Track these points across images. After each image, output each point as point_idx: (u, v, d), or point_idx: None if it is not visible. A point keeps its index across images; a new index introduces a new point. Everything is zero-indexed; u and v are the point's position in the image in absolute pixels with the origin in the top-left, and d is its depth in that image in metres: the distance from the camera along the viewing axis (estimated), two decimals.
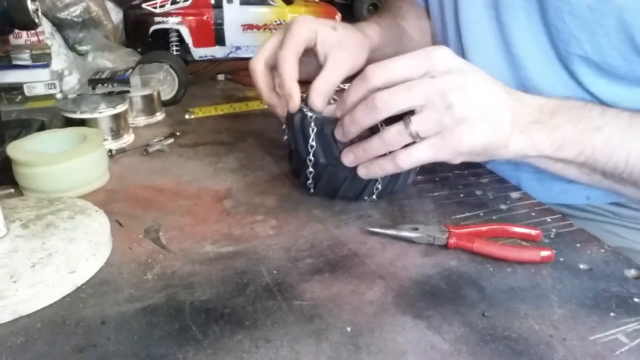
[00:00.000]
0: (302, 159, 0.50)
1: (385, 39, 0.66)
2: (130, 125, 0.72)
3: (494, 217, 0.49)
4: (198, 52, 0.96)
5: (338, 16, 1.07)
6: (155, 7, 0.93)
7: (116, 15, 1.10)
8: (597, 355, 0.32)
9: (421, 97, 0.41)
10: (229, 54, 0.98)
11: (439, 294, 0.38)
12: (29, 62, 0.76)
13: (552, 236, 0.46)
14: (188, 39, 0.94)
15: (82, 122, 0.64)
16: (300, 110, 0.49)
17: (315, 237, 0.45)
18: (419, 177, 0.57)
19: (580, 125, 0.45)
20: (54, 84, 0.78)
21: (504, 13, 0.56)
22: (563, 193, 0.61)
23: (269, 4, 0.97)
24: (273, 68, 0.54)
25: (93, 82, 0.82)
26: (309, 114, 0.48)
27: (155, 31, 0.94)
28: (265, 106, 0.85)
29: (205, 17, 0.94)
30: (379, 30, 0.65)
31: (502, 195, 0.53)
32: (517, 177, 0.61)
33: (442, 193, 0.53)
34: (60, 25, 0.97)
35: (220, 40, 0.96)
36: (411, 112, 0.42)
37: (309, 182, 0.51)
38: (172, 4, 0.93)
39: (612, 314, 0.36)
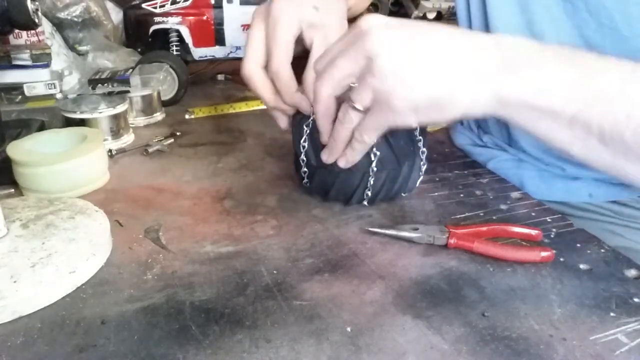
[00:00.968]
0: (297, 158, 0.50)
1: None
2: (130, 125, 0.72)
3: (494, 217, 0.49)
4: (198, 52, 0.96)
5: None
6: (155, 7, 0.93)
7: (116, 15, 1.10)
8: (597, 355, 0.32)
9: (346, 66, 0.40)
10: (229, 54, 0.98)
11: (439, 294, 0.38)
12: (29, 62, 0.76)
13: (552, 236, 0.46)
14: (188, 39, 0.94)
15: (82, 122, 0.64)
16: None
17: (315, 237, 0.45)
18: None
19: (571, 66, 0.36)
20: (54, 84, 0.78)
21: None
22: (565, 191, 0.61)
23: None
24: (266, 66, 0.52)
25: (93, 82, 0.82)
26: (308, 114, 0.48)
27: (155, 31, 0.94)
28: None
29: (205, 17, 0.94)
30: None
31: (502, 195, 0.53)
32: (519, 175, 0.61)
33: (442, 193, 0.53)
34: (60, 25, 0.97)
35: (220, 40, 0.96)
36: None
37: (304, 180, 0.51)
38: (172, 4, 0.93)
39: (612, 314, 0.36)
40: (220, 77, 1.06)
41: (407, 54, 0.37)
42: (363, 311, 0.36)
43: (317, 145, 0.48)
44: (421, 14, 1.97)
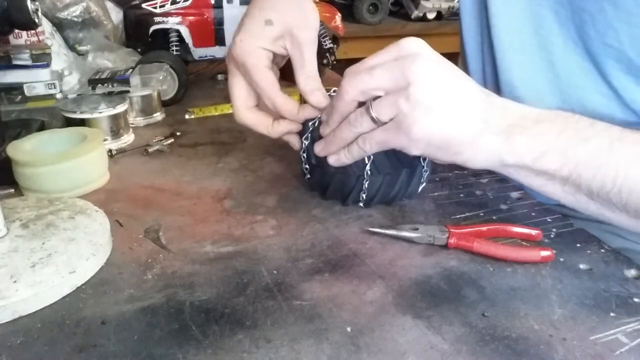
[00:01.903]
0: (299, 155, 0.51)
1: None
2: (130, 125, 0.72)
3: (494, 217, 0.49)
4: (198, 52, 0.96)
5: (338, 16, 1.07)
6: (155, 7, 0.93)
7: (116, 15, 1.10)
8: (597, 355, 0.32)
9: (383, 79, 0.41)
10: None
11: (439, 294, 0.38)
12: (29, 62, 0.76)
13: (552, 236, 0.46)
14: (188, 39, 0.94)
15: (82, 122, 0.64)
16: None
17: (315, 237, 0.45)
18: None
19: (566, 134, 0.41)
20: (54, 84, 0.78)
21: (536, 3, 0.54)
22: None
23: None
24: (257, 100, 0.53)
25: (93, 82, 0.82)
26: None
27: (155, 31, 0.94)
28: None
29: (205, 17, 0.94)
30: None
31: (502, 195, 0.53)
32: None
33: (442, 193, 0.53)
34: (60, 25, 0.97)
35: (220, 40, 0.96)
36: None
37: (306, 176, 0.52)
38: (172, 4, 0.93)
39: (612, 314, 0.36)
40: (220, 77, 1.06)
41: (443, 93, 0.40)
42: (363, 311, 0.36)
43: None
44: (421, 14, 1.97)
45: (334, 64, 0.96)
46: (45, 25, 0.84)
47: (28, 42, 0.82)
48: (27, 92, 0.77)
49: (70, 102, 0.68)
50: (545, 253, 0.41)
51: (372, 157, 0.46)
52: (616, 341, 0.33)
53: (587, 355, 0.32)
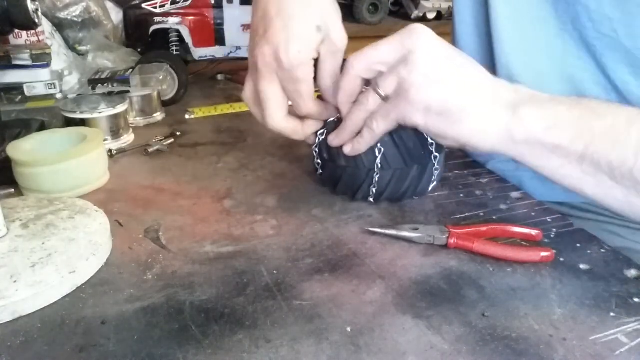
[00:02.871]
0: (311, 149, 0.52)
1: None
2: (130, 125, 0.72)
3: (494, 217, 0.49)
4: (198, 52, 0.96)
5: None
6: (155, 7, 0.93)
7: (116, 15, 1.10)
8: (597, 355, 0.32)
9: (385, 52, 0.42)
10: (229, 54, 0.98)
11: (439, 294, 0.38)
12: (29, 62, 0.76)
13: (552, 236, 0.46)
14: (188, 39, 0.94)
15: (82, 122, 0.64)
16: None
17: (315, 237, 0.45)
18: None
19: (578, 109, 0.39)
20: (54, 84, 0.78)
21: None
22: (566, 191, 0.60)
23: None
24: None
25: (93, 82, 0.82)
26: None
27: (155, 31, 0.94)
28: None
29: (205, 17, 0.94)
30: None
31: (502, 195, 0.53)
32: (519, 175, 0.61)
33: (442, 193, 0.53)
34: (60, 25, 0.97)
35: (220, 40, 0.96)
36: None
37: (318, 172, 0.53)
38: (172, 4, 0.93)
39: (612, 314, 0.36)
40: (220, 77, 1.06)
41: (442, 61, 0.41)
42: (363, 311, 0.36)
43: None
44: (421, 14, 1.97)
45: None
46: (45, 25, 0.84)
47: (28, 42, 0.82)
48: (27, 92, 0.77)
49: (70, 102, 0.68)
50: (545, 253, 0.41)
51: (382, 149, 0.47)
52: (616, 341, 0.33)
53: (587, 355, 0.32)
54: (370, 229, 0.45)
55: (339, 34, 0.48)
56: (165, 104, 0.82)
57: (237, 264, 0.41)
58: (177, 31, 0.94)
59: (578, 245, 0.44)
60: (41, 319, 0.35)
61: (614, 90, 0.52)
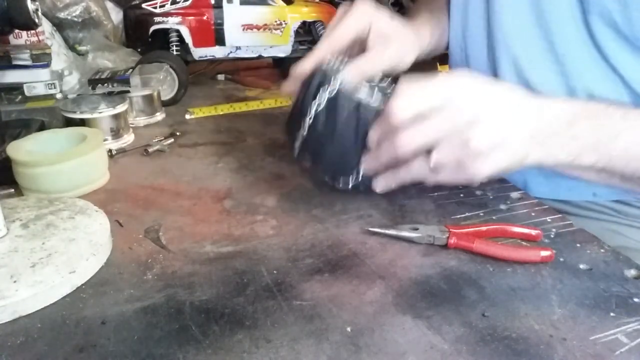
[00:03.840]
0: (300, 118, 0.48)
1: (434, 40, 0.67)
2: (130, 125, 0.72)
3: (494, 217, 0.49)
4: (198, 52, 0.96)
5: None
6: (155, 7, 0.93)
7: (116, 15, 1.10)
8: (597, 355, 0.32)
9: (437, 135, 0.43)
10: (229, 54, 0.98)
11: (439, 294, 0.38)
12: (29, 62, 0.76)
13: (552, 236, 0.46)
14: (188, 39, 0.94)
15: (82, 122, 0.64)
16: (326, 72, 0.47)
17: (315, 237, 0.45)
18: None
19: (599, 133, 0.44)
20: (54, 84, 0.78)
21: None
22: (569, 190, 0.61)
23: (269, 4, 0.97)
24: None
25: (93, 82, 0.82)
26: (334, 79, 0.47)
27: (155, 31, 0.94)
28: (266, 107, 0.85)
29: (205, 17, 0.94)
30: (430, 31, 0.65)
31: (502, 195, 0.53)
32: (523, 173, 0.61)
33: (442, 193, 0.53)
34: (60, 25, 0.97)
35: (220, 40, 0.96)
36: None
37: (296, 143, 0.50)
38: (172, 4, 0.93)
39: (612, 314, 0.36)
40: (220, 77, 1.06)
41: (497, 133, 0.42)
42: (363, 311, 0.36)
43: (333, 115, 0.47)
44: None
45: None
46: (45, 25, 0.84)
47: (28, 42, 0.83)
48: (27, 92, 0.77)
49: (70, 102, 0.68)
50: (545, 253, 0.41)
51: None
52: (616, 341, 0.33)
53: (587, 355, 0.32)
54: (370, 229, 0.45)
55: (382, 48, 0.55)
56: (165, 104, 0.82)
57: (237, 264, 0.41)
58: (177, 31, 0.94)
59: (578, 245, 0.44)
60: (41, 319, 0.35)
61: (613, 72, 0.53)
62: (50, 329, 0.34)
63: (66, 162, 0.52)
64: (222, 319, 0.35)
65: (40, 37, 0.83)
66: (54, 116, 0.70)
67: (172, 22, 0.93)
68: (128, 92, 0.76)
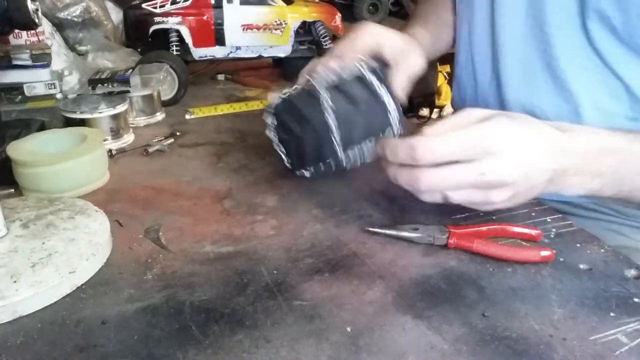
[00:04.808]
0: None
1: (433, 45, 0.69)
2: (130, 125, 0.72)
3: (494, 217, 0.49)
4: (198, 52, 0.96)
5: (338, 16, 1.07)
6: (155, 7, 0.93)
7: (116, 15, 1.11)
8: (597, 355, 0.32)
9: (460, 184, 0.41)
10: (229, 54, 0.98)
11: (439, 294, 0.38)
12: (29, 62, 0.76)
13: (552, 236, 0.46)
14: (188, 39, 0.94)
15: (82, 122, 0.64)
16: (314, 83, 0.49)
17: (315, 237, 0.45)
18: None
19: (622, 171, 0.44)
20: (54, 84, 0.78)
21: None
22: None
23: (269, 4, 0.97)
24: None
25: (93, 82, 0.82)
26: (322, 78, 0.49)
27: (155, 31, 0.94)
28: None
29: (205, 17, 0.94)
30: (429, 38, 0.68)
31: None
32: None
33: None
34: (60, 25, 0.97)
35: (220, 40, 0.96)
36: None
37: (270, 121, 0.52)
38: (172, 4, 0.93)
39: (612, 314, 0.36)
40: (220, 77, 1.06)
41: (516, 171, 0.41)
42: (363, 311, 0.36)
43: (311, 111, 0.48)
44: None
45: None
46: (45, 25, 0.84)
47: (28, 42, 0.83)
48: (27, 92, 0.77)
49: (70, 102, 0.68)
50: (545, 253, 0.41)
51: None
52: (616, 341, 0.33)
53: (587, 355, 0.32)
54: (370, 229, 0.45)
55: (407, 60, 0.55)
56: (165, 104, 0.82)
57: (237, 264, 0.41)
58: (177, 31, 0.94)
59: (578, 245, 0.44)
60: (41, 319, 0.35)
61: (604, 66, 0.53)
62: (50, 329, 0.34)
63: (66, 162, 0.52)
64: (222, 319, 0.35)
65: (40, 37, 0.83)
66: (54, 116, 0.70)
67: (172, 22, 0.93)
68: (128, 92, 0.76)
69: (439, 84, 2.16)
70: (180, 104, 0.86)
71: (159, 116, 0.78)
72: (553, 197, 0.58)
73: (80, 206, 0.47)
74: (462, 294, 0.38)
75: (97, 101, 0.67)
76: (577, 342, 0.33)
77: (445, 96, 2.17)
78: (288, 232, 0.46)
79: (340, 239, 0.45)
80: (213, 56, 0.98)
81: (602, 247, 0.44)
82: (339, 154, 0.48)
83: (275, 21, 0.97)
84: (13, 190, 0.53)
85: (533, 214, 0.50)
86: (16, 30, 0.77)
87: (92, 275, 0.40)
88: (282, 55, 1.01)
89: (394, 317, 0.35)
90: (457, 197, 0.41)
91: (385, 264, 0.41)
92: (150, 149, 0.64)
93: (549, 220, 0.48)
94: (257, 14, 0.96)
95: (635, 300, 0.37)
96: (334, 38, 1.02)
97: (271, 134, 0.53)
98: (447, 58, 0.78)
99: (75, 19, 1.00)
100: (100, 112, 0.65)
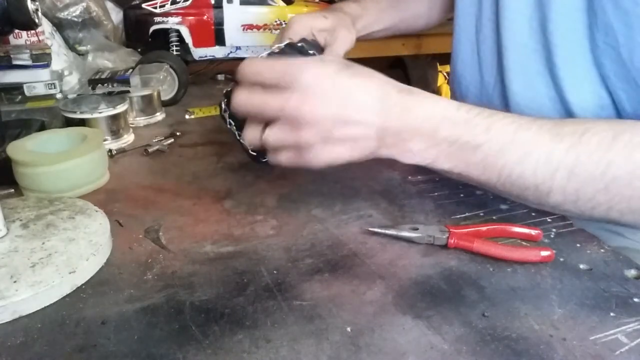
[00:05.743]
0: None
1: (379, 14, 0.74)
2: (130, 125, 0.72)
3: (494, 217, 0.49)
4: (198, 52, 0.96)
5: None
6: (155, 7, 0.93)
7: (116, 15, 1.10)
8: (597, 355, 0.32)
9: (264, 112, 0.43)
10: (229, 54, 0.98)
11: (439, 294, 0.38)
12: (29, 62, 0.76)
13: (552, 236, 0.46)
14: (188, 39, 0.94)
15: (82, 122, 0.64)
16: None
17: (315, 237, 0.45)
18: (419, 177, 0.57)
19: (459, 143, 0.42)
20: (54, 84, 0.78)
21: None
22: None
23: (269, 4, 0.97)
24: None
25: (93, 82, 0.82)
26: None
27: (155, 31, 0.94)
28: None
29: (205, 17, 0.94)
30: (355, 5, 0.73)
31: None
32: None
33: (442, 193, 0.53)
34: (60, 25, 0.97)
35: (220, 40, 0.96)
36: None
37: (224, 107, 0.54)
38: (172, 4, 0.93)
39: (612, 314, 0.36)
40: (220, 77, 1.06)
41: (335, 126, 0.43)
42: (363, 311, 0.36)
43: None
44: None
45: None
46: (45, 25, 0.84)
47: (28, 42, 0.83)
48: (27, 92, 0.77)
49: (70, 102, 0.68)
50: (545, 253, 0.41)
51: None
52: (616, 341, 0.33)
53: (587, 355, 0.32)
54: (370, 229, 0.45)
55: (340, 31, 0.65)
56: (165, 104, 0.82)
57: (237, 264, 0.41)
58: (177, 31, 0.94)
59: (578, 245, 0.44)
60: (41, 319, 0.35)
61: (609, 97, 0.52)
62: (50, 329, 0.34)
63: (66, 162, 0.52)
64: (222, 319, 0.35)
65: (40, 37, 0.83)
66: (54, 116, 0.70)
67: (172, 22, 0.94)
68: (128, 92, 0.76)
69: (439, 84, 2.16)
70: (180, 104, 0.86)
71: (159, 116, 0.78)
72: None
73: (80, 206, 0.47)
74: (462, 294, 0.38)
75: (97, 101, 0.67)
76: (577, 342, 0.33)
77: (445, 96, 2.17)
78: (288, 232, 0.46)
79: (340, 239, 0.45)
80: (213, 56, 0.98)
81: (602, 247, 0.44)
82: None
83: (275, 21, 0.97)
84: (13, 190, 0.53)
85: (533, 214, 0.50)
86: (16, 30, 0.77)
87: (92, 275, 0.40)
88: None
89: (394, 317, 0.35)
90: (272, 134, 0.43)
91: (385, 264, 0.41)
92: (150, 149, 0.64)
93: (549, 220, 0.48)
94: (257, 14, 0.96)
95: (635, 300, 0.37)
96: None
97: (229, 122, 0.54)
98: (448, 58, 0.78)
99: (75, 19, 0.99)
100: (100, 112, 0.65)
